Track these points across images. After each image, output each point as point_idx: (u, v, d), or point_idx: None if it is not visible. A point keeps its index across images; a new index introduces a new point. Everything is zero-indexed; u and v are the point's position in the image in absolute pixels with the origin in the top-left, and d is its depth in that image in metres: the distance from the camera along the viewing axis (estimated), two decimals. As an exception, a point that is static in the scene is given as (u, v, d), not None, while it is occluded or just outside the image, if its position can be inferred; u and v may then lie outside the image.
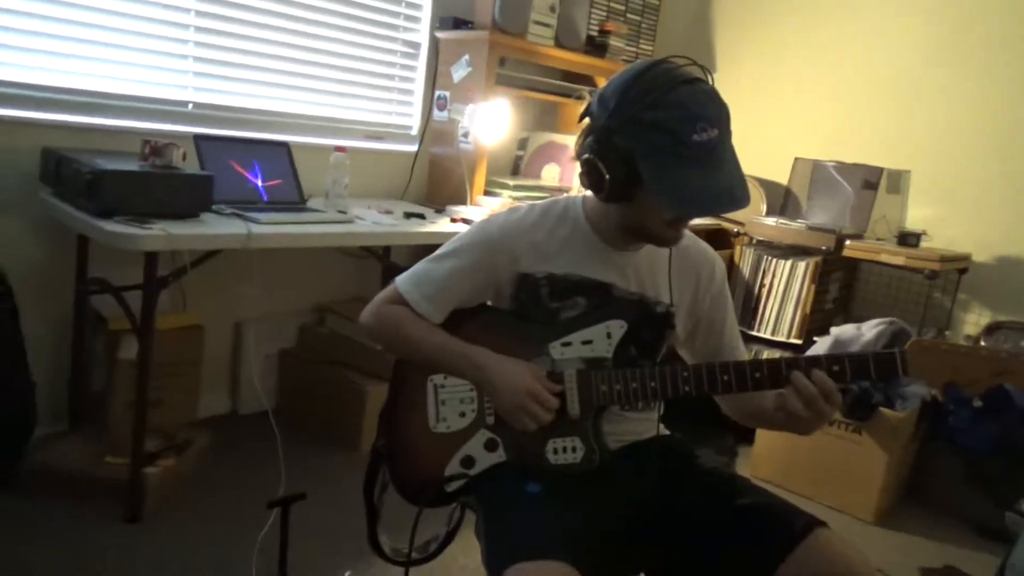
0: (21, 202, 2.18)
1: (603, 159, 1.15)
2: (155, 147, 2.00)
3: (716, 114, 1.11)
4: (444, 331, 1.30)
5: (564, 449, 1.23)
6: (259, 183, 2.37)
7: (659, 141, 1.10)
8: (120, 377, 2.27)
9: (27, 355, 2.11)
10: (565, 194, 1.38)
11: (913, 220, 3.28)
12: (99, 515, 2.02)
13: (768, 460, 2.83)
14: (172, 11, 2.40)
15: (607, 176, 1.15)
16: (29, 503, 2.03)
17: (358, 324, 1.37)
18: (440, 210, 2.90)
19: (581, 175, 1.21)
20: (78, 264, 2.27)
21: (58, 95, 2.21)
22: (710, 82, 1.16)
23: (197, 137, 2.27)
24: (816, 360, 1.15)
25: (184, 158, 2.05)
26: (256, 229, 2.03)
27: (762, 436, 2.86)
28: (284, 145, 2.51)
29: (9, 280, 2.06)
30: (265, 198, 2.36)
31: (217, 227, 1.99)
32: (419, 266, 1.33)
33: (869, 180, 3.29)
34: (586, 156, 1.18)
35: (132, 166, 1.96)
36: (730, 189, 1.12)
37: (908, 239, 3.05)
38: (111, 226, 1.83)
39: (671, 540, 1.22)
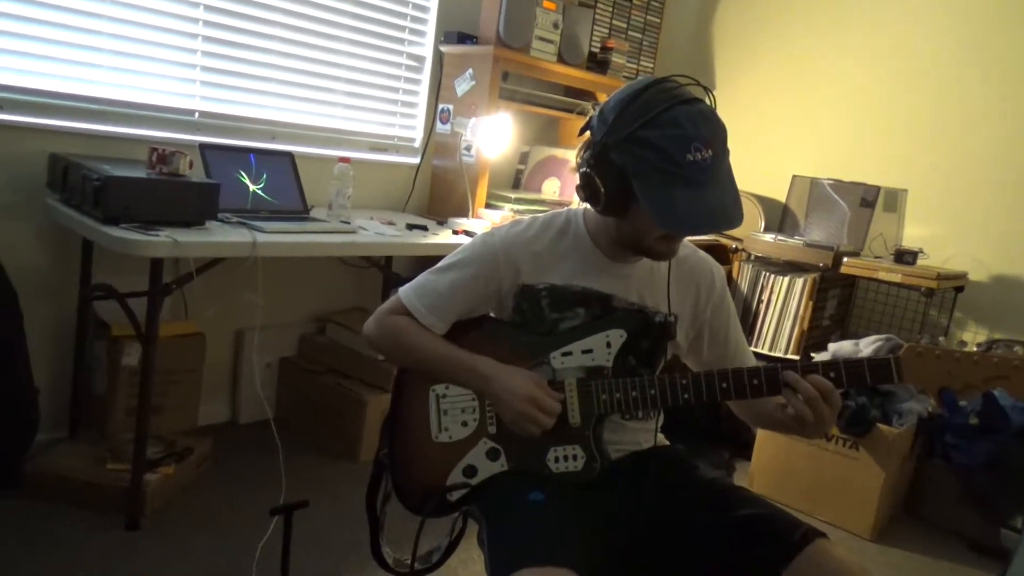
0: (27, 207, 2.20)
1: (599, 174, 1.18)
2: (162, 155, 2.01)
3: (711, 135, 1.12)
4: (447, 341, 1.32)
5: (565, 458, 1.25)
6: (263, 192, 2.39)
7: (653, 159, 1.12)
8: (122, 383, 2.28)
9: (30, 360, 2.12)
10: (567, 207, 1.41)
11: (910, 238, 3.31)
12: (99, 521, 2.03)
13: (764, 475, 2.84)
14: (181, 21, 2.43)
15: (602, 190, 1.18)
16: (30, 508, 2.04)
17: (358, 334, 1.39)
18: (442, 222, 2.92)
19: (578, 188, 1.24)
20: (82, 270, 2.29)
21: (66, 102, 2.23)
22: (710, 102, 1.18)
23: (203, 146, 2.30)
24: (813, 366, 1.17)
25: (191, 166, 2.06)
26: (262, 238, 2.04)
27: (759, 451, 2.87)
28: (288, 155, 2.53)
29: (14, 285, 2.07)
30: (269, 207, 2.38)
31: (223, 235, 2.01)
32: (422, 277, 1.36)
33: (866, 198, 3.32)
34: (584, 170, 1.21)
35: (139, 173, 1.97)
36: (722, 209, 1.14)
37: (905, 257, 3.08)
38: (119, 232, 1.84)
39: (671, 549, 1.23)
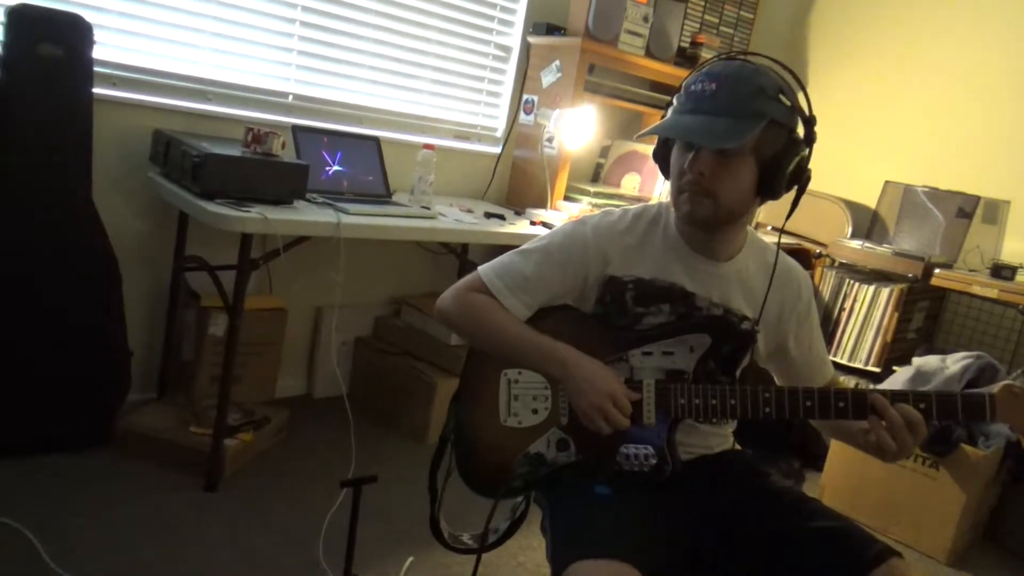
0: (131, 180, 2.32)
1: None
2: (257, 135, 2.09)
3: (721, 73, 1.19)
4: (526, 324, 1.29)
5: (636, 456, 1.23)
6: (349, 175, 2.46)
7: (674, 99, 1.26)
8: (208, 351, 2.39)
9: (126, 324, 2.24)
10: (658, 201, 1.40)
11: (1010, 253, 3.14)
12: (180, 480, 2.13)
13: (836, 488, 2.75)
14: (280, 6, 2.51)
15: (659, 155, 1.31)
16: (119, 462, 2.16)
17: (432, 318, 1.40)
18: (520, 212, 2.94)
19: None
20: (177, 242, 2.40)
21: (171, 80, 2.34)
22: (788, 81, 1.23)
23: (295, 128, 2.37)
24: (903, 395, 1.13)
25: (283, 147, 2.14)
26: (346, 219, 2.10)
27: (832, 463, 2.79)
28: (375, 140, 2.59)
29: (115, 252, 2.19)
30: (354, 190, 2.44)
31: (310, 214, 2.08)
32: (505, 258, 1.33)
33: (964, 208, 3.17)
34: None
35: (235, 152, 2.06)
36: (700, 129, 1.17)
37: (1003, 272, 2.92)
38: (213, 207, 1.92)
39: (738, 557, 1.21)
